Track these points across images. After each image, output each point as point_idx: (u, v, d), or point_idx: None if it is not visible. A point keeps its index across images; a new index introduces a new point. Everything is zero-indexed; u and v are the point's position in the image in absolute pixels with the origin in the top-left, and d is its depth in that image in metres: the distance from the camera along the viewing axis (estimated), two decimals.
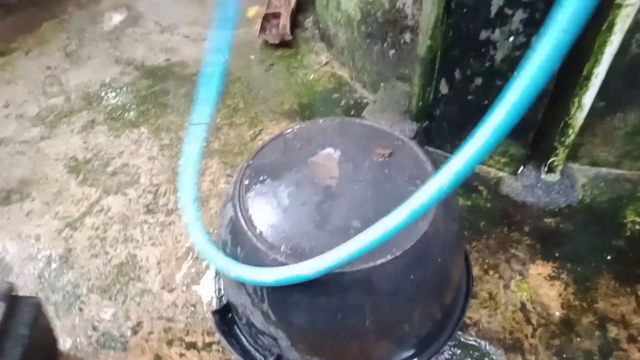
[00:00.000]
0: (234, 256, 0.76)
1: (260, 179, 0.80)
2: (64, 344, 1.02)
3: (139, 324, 1.05)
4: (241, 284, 0.75)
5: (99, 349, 1.02)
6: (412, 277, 0.70)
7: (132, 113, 1.64)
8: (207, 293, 1.09)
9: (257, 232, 0.72)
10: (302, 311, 0.71)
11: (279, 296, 0.71)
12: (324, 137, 0.87)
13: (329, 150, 0.83)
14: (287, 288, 0.65)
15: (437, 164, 0.80)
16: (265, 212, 0.75)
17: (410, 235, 0.69)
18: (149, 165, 1.43)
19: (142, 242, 1.22)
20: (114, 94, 1.74)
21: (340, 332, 0.74)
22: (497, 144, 0.47)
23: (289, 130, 0.89)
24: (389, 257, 0.67)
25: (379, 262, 0.66)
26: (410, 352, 0.89)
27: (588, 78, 1.00)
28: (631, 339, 0.94)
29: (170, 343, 1.02)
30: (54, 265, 1.18)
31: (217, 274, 1.05)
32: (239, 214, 0.75)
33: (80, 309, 1.09)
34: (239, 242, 0.74)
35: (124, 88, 1.76)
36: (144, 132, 1.56)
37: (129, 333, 1.04)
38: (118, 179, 1.40)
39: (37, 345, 0.87)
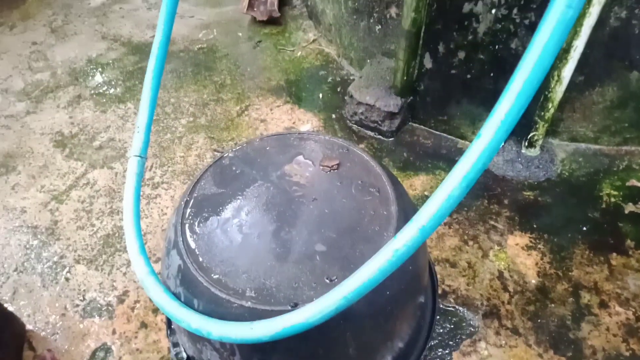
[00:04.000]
0: (180, 295, 0.65)
1: (204, 215, 0.70)
2: (49, 314, 1.04)
3: (125, 293, 1.07)
4: (204, 339, 0.66)
5: (86, 317, 1.03)
6: (388, 292, 0.65)
7: (118, 89, 1.64)
8: None
9: (214, 278, 0.61)
10: (281, 356, 0.62)
11: (253, 346, 0.62)
12: (264, 157, 0.79)
13: (275, 168, 0.76)
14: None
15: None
16: (218, 254, 0.65)
17: (377, 248, 0.64)
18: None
19: None
20: (100, 69, 1.73)
21: None
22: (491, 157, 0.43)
23: (225, 155, 0.80)
24: None
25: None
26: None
27: (567, 51, 1.02)
28: (602, 305, 0.97)
29: (155, 311, 1.03)
30: (40, 237, 1.18)
31: (170, 328, 0.93)
32: (188, 261, 0.64)
33: (67, 279, 1.10)
34: (194, 294, 0.63)
35: (111, 64, 1.75)
36: (130, 107, 1.56)
37: (115, 302, 1.05)
38: (104, 153, 1.40)
39: None
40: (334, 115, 1.46)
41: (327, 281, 0.60)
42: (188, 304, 0.62)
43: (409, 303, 0.73)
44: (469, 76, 1.19)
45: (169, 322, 0.97)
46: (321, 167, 0.75)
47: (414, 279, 0.72)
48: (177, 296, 0.64)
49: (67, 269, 1.12)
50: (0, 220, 1.23)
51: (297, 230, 0.66)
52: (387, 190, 0.71)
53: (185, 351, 0.85)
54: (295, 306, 0.57)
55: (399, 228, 0.62)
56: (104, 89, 1.64)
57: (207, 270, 0.63)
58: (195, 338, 0.68)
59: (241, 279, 0.62)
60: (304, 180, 0.73)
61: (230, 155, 0.79)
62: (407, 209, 0.72)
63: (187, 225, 0.69)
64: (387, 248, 0.47)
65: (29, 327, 1.01)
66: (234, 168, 0.77)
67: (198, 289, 0.62)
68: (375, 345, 0.69)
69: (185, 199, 0.72)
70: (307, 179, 0.73)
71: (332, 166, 0.74)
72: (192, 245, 0.66)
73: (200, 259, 0.64)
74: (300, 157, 0.77)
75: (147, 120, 0.72)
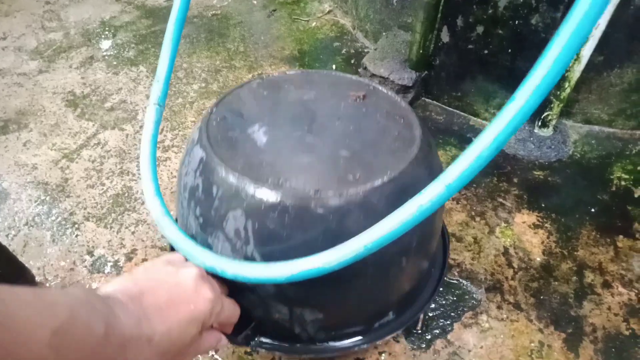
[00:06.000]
0: (207, 201, 0.65)
1: (230, 121, 0.71)
2: (58, 268, 1.06)
3: (133, 251, 1.08)
4: (218, 226, 0.64)
5: (94, 272, 1.05)
6: (398, 244, 0.63)
7: (131, 52, 1.63)
8: None
9: (235, 167, 0.62)
10: (295, 247, 0.60)
11: (269, 233, 0.61)
12: (293, 84, 0.80)
13: (301, 93, 0.78)
14: (278, 223, 0.59)
15: (411, 105, 0.78)
16: (242, 150, 0.66)
17: (401, 159, 0.65)
18: (147, 103, 1.43)
19: (137, 175, 1.24)
20: (113, 32, 1.72)
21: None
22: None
23: (254, 80, 0.81)
24: (385, 178, 0.62)
25: (375, 184, 0.61)
26: (400, 304, 0.83)
27: None
28: (605, 285, 0.98)
29: None
30: (50, 194, 1.20)
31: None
32: (210, 152, 0.64)
33: (76, 235, 1.11)
34: (213, 182, 0.63)
35: (124, 27, 1.74)
36: (142, 70, 1.55)
37: (123, 259, 1.07)
38: (115, 115, 1.40)
39: None
40: None
41: (350, 178, 0.61)
42: (207, 194, 0.63)
43: (427, 225, 0.73)
44: (486, 52, 1.17)
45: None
46: (348, 97, 0.77)
47: (427, 237, 0.73)
48: (194, 189, 0.65)
49: (76, 225, 1.13)
50: (12, 175, 1.24)
51: (321, 138, 0.68)
52: (411, 119, 0.72)
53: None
54: (317, 192, 0.58)
55: (422, 148, 0.67)
56: (117, 51, 1.63)
57: (229, 160, 0.63)
58: (207, 232, 0.67)
59: (264, 170, 0.62)
60: (330, 104, 0.75)
61: (258, 81, 0.81)
62: (430, 139, 0.75)
63: (212, 125, 0.70)
64: (412, 202, 0.47)
65: (38, 279, 1.03)
66: (261, 90, 0.79)
67: (217, 177, 0.62)
68: (391, 258, 0.69)
69: (211, 108, 0.73)
70: (334, 104, 0.75)
71: (359, 96, 0.76)
72: (216, 139, 0.67)
73: (223, 152, 0.65)
74: (328, 87, 0.80)
75: (167, 70, 0.72)
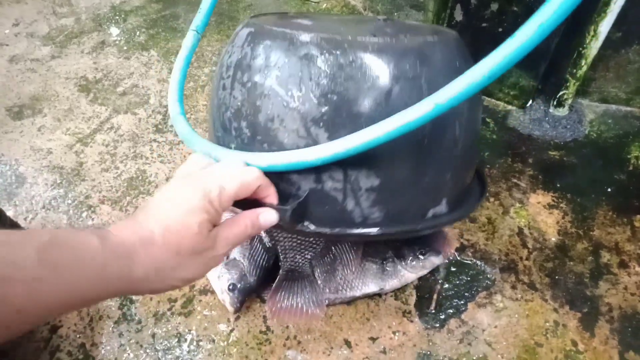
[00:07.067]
0: (256, 63, 0.65)
1: (272, 17, 0.75)
2: None
3: None
4: (262, 84, 0.64)
5: None
6: (457, 64, 0.65)
7: (142, 36, 1.63)
8: None
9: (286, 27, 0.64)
10: (353, 87, 0.59)
11: (320, 80, 0.61)
12: (327, 14, 0.86)
13: (335, 16, 0.84)
14: (323, 67, 0.60)
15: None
16: (287, 25, 0.67)
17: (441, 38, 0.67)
18: (159, 87, 1.44)
19: (151, 159, 1.25)
20: (124, 16, 1.72)
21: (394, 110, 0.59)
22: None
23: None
24: (429, 39, 0.63)
25: (429, 39, 0.63)
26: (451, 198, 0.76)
27: (607, 4, 0.98)
28: (622, 265, 0.97)
29: None
30: (66, 177, 1.21)
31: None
32: (260, 24, 0.67)
33: (92, 218, 1.13)
34: (261, 42, 0.65)
35: (134, 11, 1.74)
36: (153, 55, 1.55)
37: None
38: (128, 99, 1.41)
39: None
40: None
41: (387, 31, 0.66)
42: (253, 56, 0.65)
43: (474, 106, 0.73)
44: (500, 30, 1.15)
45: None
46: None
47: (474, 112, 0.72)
48: (240, 60, 0.66)
49: (92, 208, 1.15)
50: (28, 160, 1.26)
51: (360, 27, 0.73)
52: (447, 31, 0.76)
53: None
54: (382, 20, 0.63)
55: (459, 44, 0.70)
56: (128, 36, 1.63)
57: (279, 27, 0.66)
58: (252, 98, 0.67)
59: (306, 29, 0.66)
60: (365, 20, 0.81)
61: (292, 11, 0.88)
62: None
63: (256, 18, 0.74)
64: (399, 116, 0.49)
65: None
66: (298, 14, 0.83)
67: (269, 35, 0.65)
68: (446, 120, 0.66)
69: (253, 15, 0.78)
70: (369, 21, 0.80)
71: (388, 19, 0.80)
72: (263, 20, 0.71)
73: (272, 24, 0.68)
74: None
75: (211, 3, 0.76)
